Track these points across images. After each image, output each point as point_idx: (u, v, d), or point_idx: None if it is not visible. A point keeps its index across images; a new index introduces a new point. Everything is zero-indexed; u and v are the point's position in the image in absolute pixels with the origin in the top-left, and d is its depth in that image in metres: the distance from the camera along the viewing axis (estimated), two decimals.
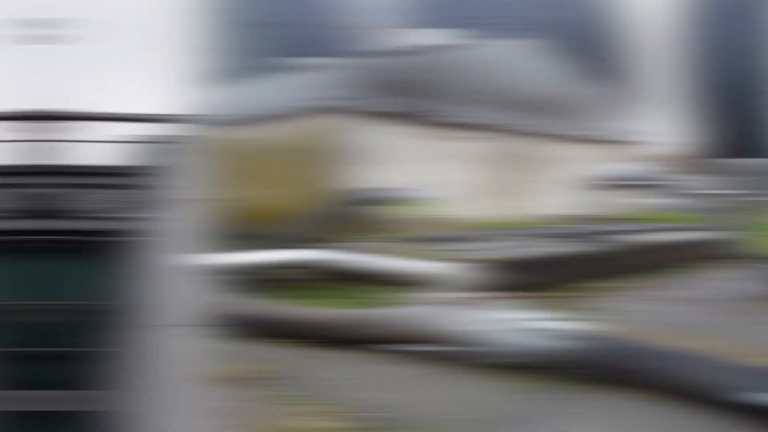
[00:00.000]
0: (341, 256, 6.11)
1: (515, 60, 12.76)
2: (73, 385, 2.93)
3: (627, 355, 3.00)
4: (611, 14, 38.95)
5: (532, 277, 5.92)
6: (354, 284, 6.00)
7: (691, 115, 35.50)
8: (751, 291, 6.37)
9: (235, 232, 12.47)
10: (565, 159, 14.11)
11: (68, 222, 3.10)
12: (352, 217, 9.66)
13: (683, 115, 37.37)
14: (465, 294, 3.70)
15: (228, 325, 4.70)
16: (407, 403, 2.89)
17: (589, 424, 2.53)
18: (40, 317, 3.02)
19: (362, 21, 39.16)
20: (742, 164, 12.20)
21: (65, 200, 3.10)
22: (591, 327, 3.77)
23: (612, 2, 39.44)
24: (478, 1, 35.57)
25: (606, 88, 17.57)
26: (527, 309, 3.51)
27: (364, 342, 4.02)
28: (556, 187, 13.90)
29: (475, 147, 11.95)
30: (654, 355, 2.94)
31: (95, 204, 3.11)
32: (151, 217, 3.11)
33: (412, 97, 10.65)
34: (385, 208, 9.19)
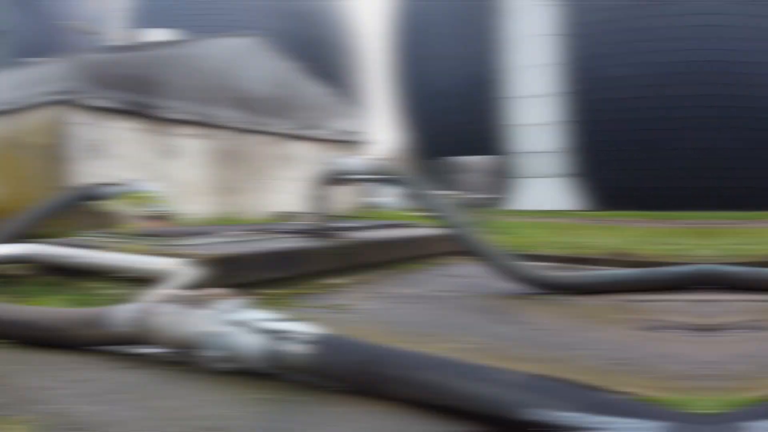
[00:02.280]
0: (63, 250, 5.61)
1: (239, 58, 12.83)
2: None
3: (371, 360, 2.78)
4: (333, 18, 41.45)
5: (258, 274, 5.61)
6: (74, 280, 5.42)
7: (408, 117, 38.28)
8: (489, 288, 6.14)
9: None
10: (292, 157, 14.32)
11: None
12: (76, 211, 9.02)
13: (401, 117, 39.81)
14: (189, 292, 3.29)
15: None
16: (117, 418, 2.50)
17: None
18: None
19: (86, 21, 36.88)
20: (468, 162, 13.74)
21: None
22: (324, 328, 3.50)
23: (333, 7, 42.04)
24: (199, 3, 35.42)
25: (329, 88, 18.52)
26: (254, 308, 3.16)
27: (80, 343, 3.54)
28: (282, 185, 14.05)
29: (200, 143, 11.92)
30: (406, 360, 2.71)
31: None
32: None
33: (137, 93, 10.54)
34: (110, 203, 8.80)
